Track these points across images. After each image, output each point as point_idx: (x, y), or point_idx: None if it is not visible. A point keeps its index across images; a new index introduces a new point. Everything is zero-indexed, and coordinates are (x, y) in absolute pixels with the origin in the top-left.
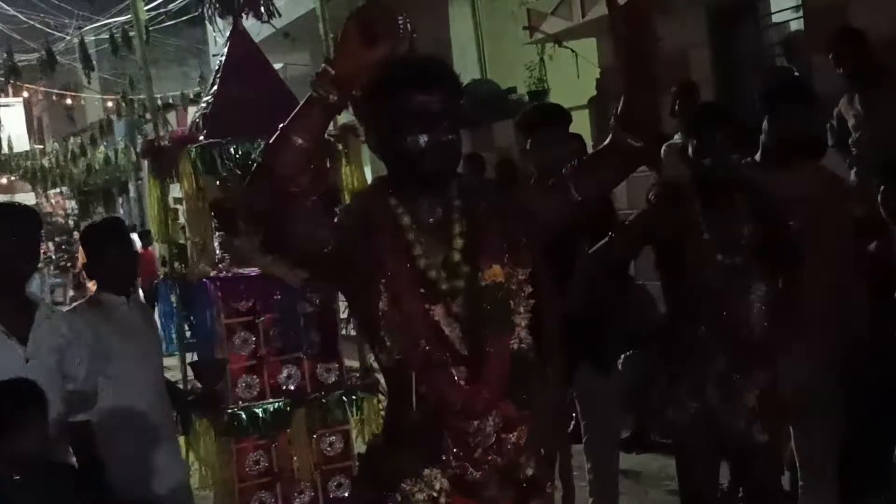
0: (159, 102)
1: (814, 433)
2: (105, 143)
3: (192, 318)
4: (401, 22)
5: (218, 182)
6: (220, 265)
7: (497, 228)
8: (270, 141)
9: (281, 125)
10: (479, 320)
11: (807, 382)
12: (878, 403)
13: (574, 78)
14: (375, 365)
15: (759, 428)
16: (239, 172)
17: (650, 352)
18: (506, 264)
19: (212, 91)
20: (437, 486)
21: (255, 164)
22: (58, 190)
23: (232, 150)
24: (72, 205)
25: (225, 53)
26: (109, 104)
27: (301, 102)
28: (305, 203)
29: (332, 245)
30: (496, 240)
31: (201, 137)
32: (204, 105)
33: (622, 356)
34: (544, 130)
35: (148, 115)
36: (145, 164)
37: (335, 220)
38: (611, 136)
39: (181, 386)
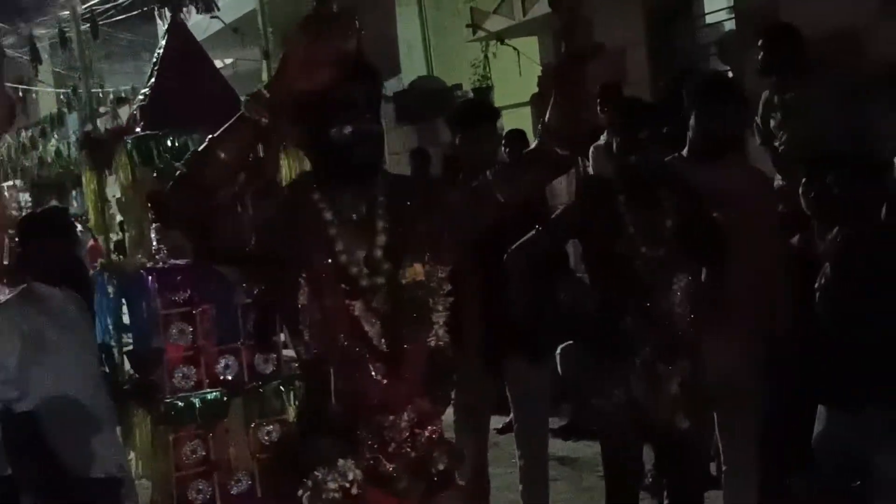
0: (112, 96)
1: (736, 420)
2: (56, 136)
3: (128, 308)
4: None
5: (155, 174)
6: (156, 256)
7: (420, 226)
8: (196, 150)
9: (209, 136)
10: (398, 317)
11: (730, 371)
12: (798, 391)
13: (517, 75)
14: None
15: (682, 415)
16: (176, 164)
17: (579, 342)
18: (427, 262)
19: (149, 83)
20: (350, 477)
21: (177, 172)
22: (11, 183)
23: (168, 141)
24: (25, 197)
25: (162, 46)
26: (61, 97)
27: (232, 119)
28: (226, 211)
29: (253, 243)
30: (418, 238)
31: (138, 129)
32: (141, 97)
33: (559, 347)
34: (472, 127)
35: (101, 109)
36: None
37: (257, 215)
38: (538, 141)
39: (117, 376)
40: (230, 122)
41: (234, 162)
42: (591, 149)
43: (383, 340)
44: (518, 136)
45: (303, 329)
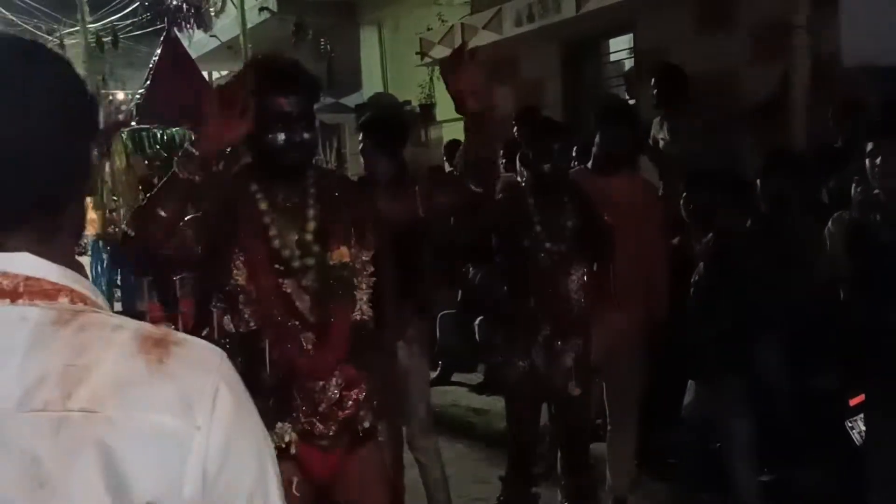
0: (130, 97)
1: (620, 387)
2: None
3: (120, 273)
4: (322, 44)
5: (146, 161)
6: None
7: (346, 215)
8: (135, 210)
9: (148, 196)
10: (326, 294)
11: (616, 348)
12: (671, 366)
13: None
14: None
15: (574, 383)
16: (164, 154)
17: (492, 317)
18: (352, 246)
19: (145, 85)
20: (287, 439)
21: (122, 234)
22: None
23: (158, 134)
24: None
25: (158, 55)
26: None
27: (164, 180)
28: (175, 255)
29: (197, 235)
30: (345, 225)
31: (133, 123)
32: (138, 97)
33: (477, 319)
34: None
35: (123, 108)
36: None
37: (200, 212)
38: (454, 176)
39: None
40: (164, 180)
41: (173, 217)
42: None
43: (313, 314)
44: (456, 146)
45: (241, 307)
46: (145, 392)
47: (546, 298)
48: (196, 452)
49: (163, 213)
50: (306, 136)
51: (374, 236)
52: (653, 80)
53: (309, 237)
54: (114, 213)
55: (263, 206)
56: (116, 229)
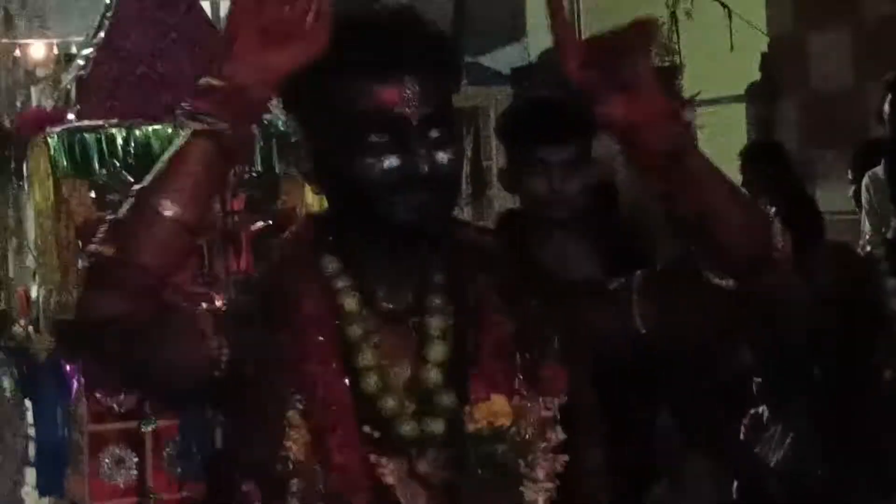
0: (56, 50)
1: None
2: None
3: (34, 415)
4: None
5: (93, 192)
6: None
7: (508, 325)
8: (118, 215)
9: (138, 186)
10: (466, 491)
11: None
12: None
13: (724, 50)
14: None
15: None
16: (128, 176)
17: None
18: (517, 391)
19: (95, 41)
20: None
21: (95, 257)
22: None
23: (119, 136)
24: None
25: None
26: None
27: (175, 149)
28: (186, 308)
29: (224, 362)
30: (504, 347)
31: (71, 116)
32: (82, 62)
33: None
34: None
35: (43, 72)
36: None
37: (230, 310)
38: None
39: None
40: (176, 147)
41: (191, 218)
42: (867, 177)
43: None
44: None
45: (294, 502)
46: None
47: None
48: None
49: (171, 211)
50: (446, 157)
51: (568, 364)
52: None
53: (434, 375)
54: (26, 292)
55: (351, 303)
56: (31, 329)
